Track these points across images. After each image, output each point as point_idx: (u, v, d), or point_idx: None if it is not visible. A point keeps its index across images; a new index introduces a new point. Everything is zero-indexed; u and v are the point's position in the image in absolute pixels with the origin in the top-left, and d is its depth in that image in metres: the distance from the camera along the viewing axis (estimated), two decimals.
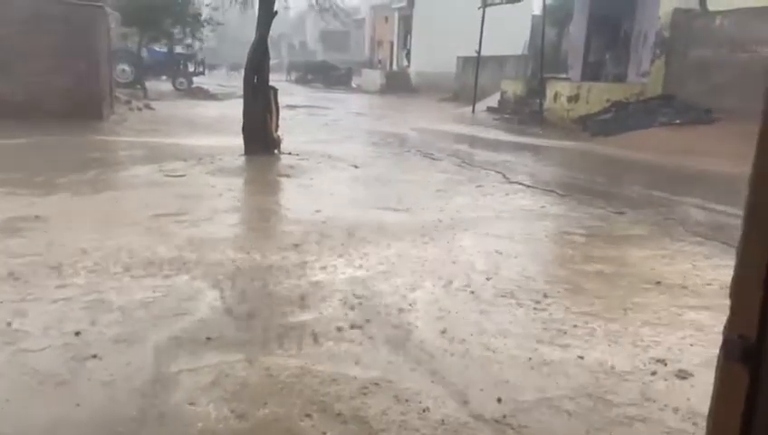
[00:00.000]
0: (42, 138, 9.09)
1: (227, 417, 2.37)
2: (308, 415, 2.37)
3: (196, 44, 20.74)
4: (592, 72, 15.83)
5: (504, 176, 7.72)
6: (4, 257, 3.98)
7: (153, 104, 15.44)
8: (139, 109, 14.37)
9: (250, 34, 8.77)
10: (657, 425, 2.42)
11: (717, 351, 0.97)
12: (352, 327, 3.17)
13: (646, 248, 4.81)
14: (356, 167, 8.07)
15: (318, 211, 5.54)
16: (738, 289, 0.91)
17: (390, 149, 10.26)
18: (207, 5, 18.50)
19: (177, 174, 7.05)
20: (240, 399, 2.50)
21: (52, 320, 3.13)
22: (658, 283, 3.99)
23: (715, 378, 0.97)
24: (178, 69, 22.49)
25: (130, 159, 8.06)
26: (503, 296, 3.68)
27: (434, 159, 9.13)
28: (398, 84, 27.38)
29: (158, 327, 3.11)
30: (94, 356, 2.77)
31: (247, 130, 8.46)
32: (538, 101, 14.96)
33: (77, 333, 2.98)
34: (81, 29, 11.07)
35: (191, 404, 2.44)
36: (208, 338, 3.01)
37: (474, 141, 11.92)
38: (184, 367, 2.73)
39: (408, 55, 30.24)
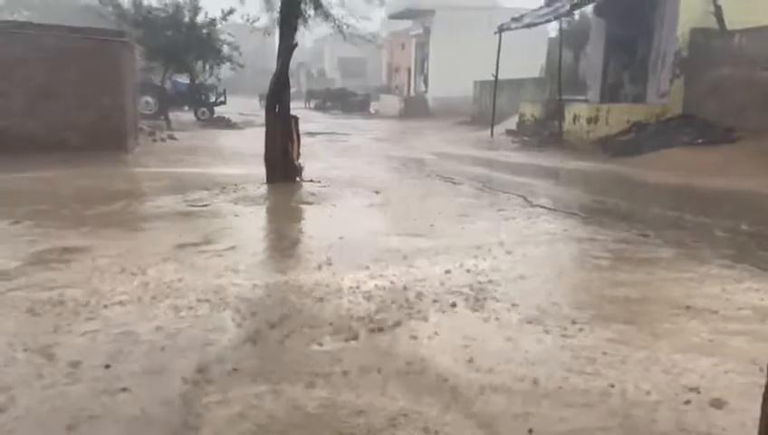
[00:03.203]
0: (68, 171, 9.30)
1: None
2: None
3: (215, 78, 21.22)
4: (611, 94, 15.82)
5: (526, 199, 7.69)
6: (33, 291, 4.06)
7: (176, 135, 15.75)
8: (163, 140, 14.66)
9: (268, 62, 8.95)
10: None
11: (753, 378, 0.95)
12: (370, 360, 3.15)
13: (673, 272, 4.73)
14: (377, 192, 8.11)
15: (341, 238, 5.56)
16: None
17: (410, 173, 10.31)
18: (228, 45, 19.05)
19: (201, 204, 7.15)
20: (268, 432, 2.49)
21: (82, 353, 3.17)
22: (688, 307, 3.92)
23: (763, 408, 0.95)
24: (200, 100, 22.96)
25: (155, 190, 8.19)
26: (529, 323, 3.64)
27: (454, 183, 9.14)
28: (415, 109, 27.62)
29: (186, 358, 3.13)
30: (124, 389, 2.79)
31: (269, 159, 8.58)
32: (557, 123, 14.95)
33: (107, 367, 3.01)
34: (107, 64, 11.38)
35: None
36: (234, 369, 3.02)
37: (493, 165, 11.92)
38: (212, 399, 2.74)
39: (425, 80, 30.53)
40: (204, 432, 2.47)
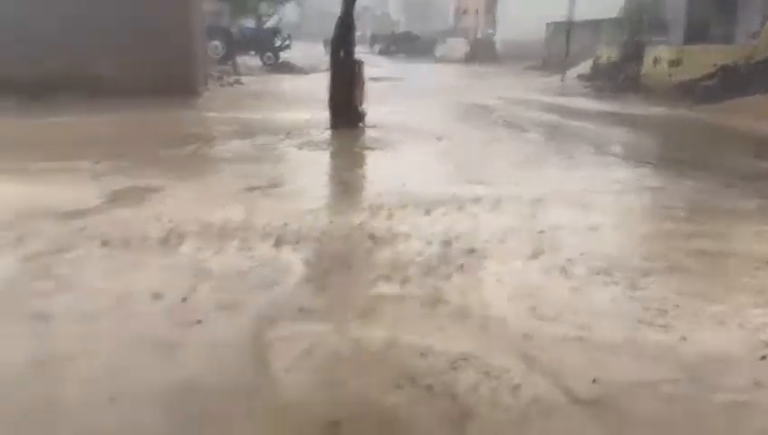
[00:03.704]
0: (142, 114, 9.63)
1: (321, 384, 2.45)
2: (399, 387, 2.41)
3: (275, 18, 21.15)
4: (695, 35, 14.71)
5: (597, 147, 7.39)
6: (113, 227, 4.28)
7: (243, 79, 15.96)
8: (231, 84, 14.90)
9: (333, 6, 8.82)
10: None
11: None
12: (439, 301, 3.18)
13: (755, 224, 4.47)
14: (440, 139, 8.00)
15: (403, 184, 5.54)
16: None
17: (475, 120, 10.08)
18: None
19: (268, 148, 7.28)
20: (333, 368, 2.57)
21: (160, 286, 3.34)
22: None
23: None
24: (266, 44, 23.06)
25: (224, 134, 8.38)
26: (597, 274, 3.55)
27: (521, 130, 8.88)
28: (483, 53, 26.75)
29: (255, 296, 3.25)
30: (198, 322, 2.94)
31: (333, 104, 8.58)
32: (635, 66, 14.12)
33: (183, 300, 3.17)
34: (176, 8, 11.54)
35: (287, 371, 2.54)
36: (300, 308, 3.12)
37: (563, 111, 11.46)
38: (279, 335, 2.84)
39: (493, 23, 29.37)
40: (273, 365, 2.58)
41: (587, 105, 12.20)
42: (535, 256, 3.82)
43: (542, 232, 4.25)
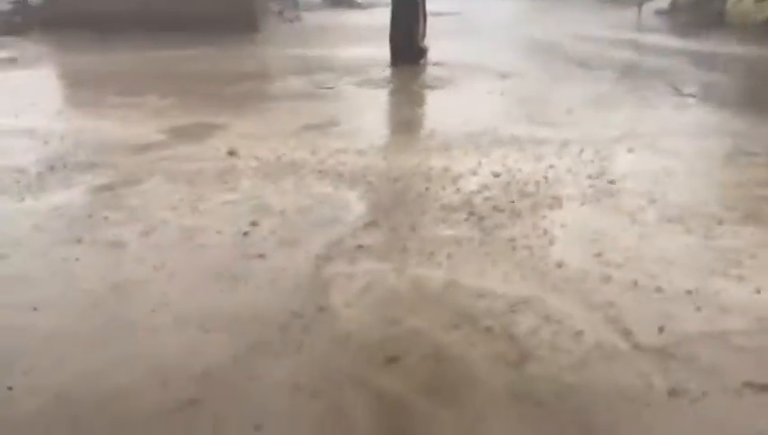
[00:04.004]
0: (204, 49, 9.70)
1: (379, 321, 2.48)
2: (457, 327, 2.40)
3: None
4: None
5: (675, 87, 6.93)
6: (179, 162, 4.39)
7: (303, 15, 15.75)
8: (290, 20, 14.75)
9: None
10: None
11: None
12: (504, 246, 3.11)
13: None
14: (505, 77, 7.69)
15: (465, 123, 5.40)
16: None
17: (543, 57, 9.62)
18: None
19: (327, 86, 7.21)
20: (390, 306, 2.59)
21: (223, 220, 3.43)
22: None
23: None
24: None
25: (283, 71, 8.35)
26: (669, 221, 3.38)
27: (592, 68, 8.42)
28: None
29: (315, 233, 3.28)
30: (260, 256, 3.01)
31: (394, 40, 8.36)
32: (718, 1, 13.03)
33: (245, 234, 3.24)
34: None
35: (347, 306, 2.58)
36: (359, 245, 3.13)
37: (639, 48, 10.76)
38: (339, 271, 2.88)
39: None
40: (332, 301, 2.62)
41: (665, 42, 11.40)
42: (603, 200, 3.67)
43: (611, 176, 4.07)
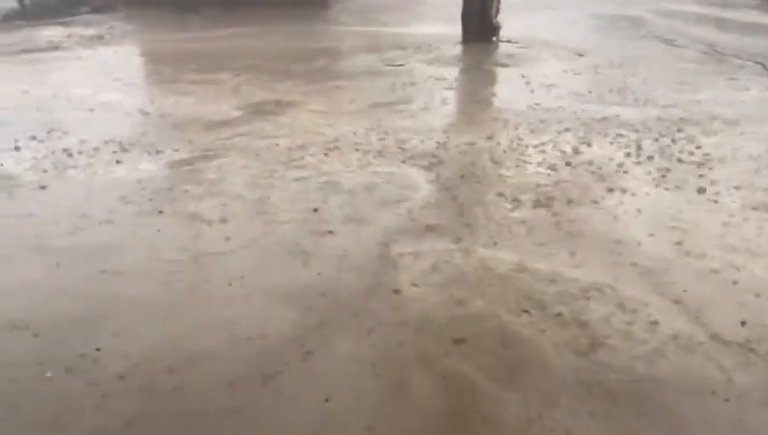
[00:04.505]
0: (275, 27, 9.85)
1: (446, 302, 2.48)
2: (525, 311, 2.37)
3: None
4: None
5: (765, 67, 6.47)
6: (253, 138, 4.51)
7: None
8: None
9: None
10: None
11: None
12: (575, 230, 3.04)
13: None
14: (581, 55, 7.41)
15: (537, 103, 5.26)
16: None
17: (622, 33, 9.18)
18: None
19: (396, 63, 7.18)
20: (458, 286, 2.58)
21: (294, 196, 3.51)
22: None
23: None
24: None
25: (353, 49, 8.37)
26: (754, 209, 3.19)
27: (675, 45, 7.97)
28: None
29: (382, 211, 3.31)
30: (330, 232, 3.07)
31: (466, 17, 8.19)
32: None
33: (315, 210, 3.31)
34: None
35: (414, 285, 2.59)
36: (427, 225, 3.13)
37: (727, 25, 10.09)
38: (406, 250, 2.89)
39: None
40: (399, 279, 2.64)
41: (756, 19, 10.63)
42: (684, 186, 3.50)
43: (693, 160, 3.87)
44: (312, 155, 4.14)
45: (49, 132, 4.65)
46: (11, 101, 5.54)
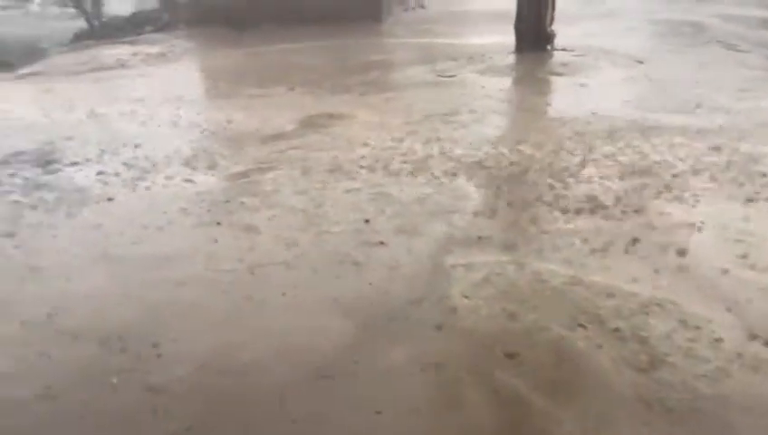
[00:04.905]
0: (330, 41, 10.02)
1: (498, 314, 2.45)
2: (581, 325, 2.32)
3: None
4: None
5: None
6: (307, 151, 4.59)
7: (426, 2, 15.74)
8: (413, 8, 14.80)
9: None
10: None
11: None
12: (633, 242, 2.95)
13: None
14: (640, 62, 7.21)
15: (593, 113, 5.15)
16: None
17: (684, 40, 8.88)
18: None
19: (448, 74, 7.18)
20: (510, 299, 2.55)
21: (345, 207, 3.55)
22: None
23: None
24: None
25: (405, 61, 8.42)
26: None
27: (739, 51, 7.65)
28: None
29: (433, 222, 3.31)
30: (381, 243, 3.09)
31: (519, 26, 8.11)
32: None
33: (366, 221, 3.34)
34: None
35: (465, 297, 2.58)
36: (479, 237, 3.11)
37: None
38: (457, 262, 2.88)
39: None
40: (450, 291, 2.63)
41: None
42: (748, 197, 3.35)
43: (757, 170, 3.69)
44: (363, 166, 4.18)
45: (115, 147, 4.88)
46: (82, 117, 5.85)
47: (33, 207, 3.77)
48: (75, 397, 2.14)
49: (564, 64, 7.30)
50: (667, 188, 3.53)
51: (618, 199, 3.41)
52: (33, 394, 2.14)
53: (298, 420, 1.97)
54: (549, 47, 8.06)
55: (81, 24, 14.07)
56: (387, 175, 4.02)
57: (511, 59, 7.81)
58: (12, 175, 4.36)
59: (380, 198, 3.65)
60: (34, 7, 14.66)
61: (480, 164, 4.10)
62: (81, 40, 12.25)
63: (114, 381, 2.19)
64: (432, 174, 3.99)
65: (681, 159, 3.93)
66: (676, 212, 3.22)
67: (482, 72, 7.16)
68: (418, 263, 2.89)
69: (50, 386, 2.18)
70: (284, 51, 9.54)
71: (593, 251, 2.88)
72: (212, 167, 4.36)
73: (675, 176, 3.68)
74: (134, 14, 13.51)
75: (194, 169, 4.32)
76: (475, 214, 3.39)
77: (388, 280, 2.76)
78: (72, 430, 2.01)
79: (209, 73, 8.88)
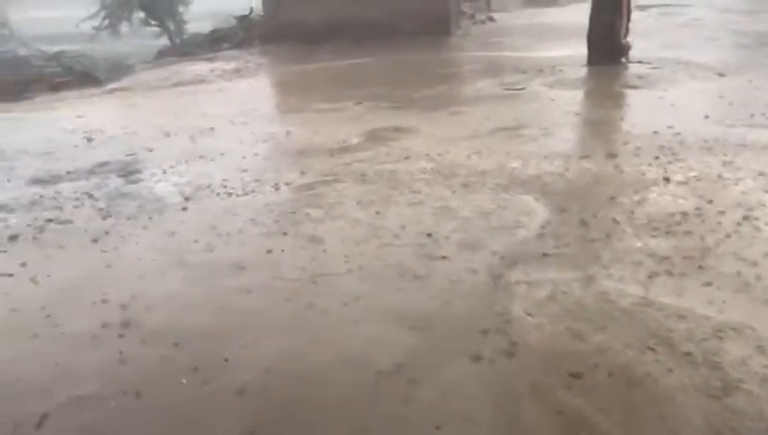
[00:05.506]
0: (399, 55, 10.14)
1: (563, 333, 2.39)
2: (650, 348, 2.23)
3: None
4: None
5: None
6: (371, 164, 4.66)
7: (496, 16, 15.65)
8: (483, 22, 14.74)
9: None
10: None
11: None
12: (703, 260, 2.81)
13: None
14: (721, 75, 6.87)
15: (669, 126, 4.95)
16: None
17: (767, 52, 8.41)
18: None
19: (517, 87, 7.10)
20: (576, 318, 2.48)
21: (408, 220, 3.57)
22: None
23: None
24: None
25: (474, 74, 8.40)
26: None
27: None
28: None
29: (497, 237, 3.27)
30: (443, 257, 3.08)
31: (592, 38, 7.92)
32: None
33: (429, 235, 3.35)
34: None
35: (528, 314, 2.53)
36: (545, 253, 3.05)
37: None
38: (521, 278, 2.83)
39: None
40: (514, 307, 2.59)
41: None
42: None
43: None
44: (427, 180, 4.20)
45: (191, 158, 5.12)
46: (163, 130, 6.18)
47: (117, 215, 4.02)
48: (150, 396, 2.25)
49: (640, 77, 7.07)
50: (748, 208, 3.34)
51: (693, 218, 3.26)
52: (111, 392, 2.27)
53: (355, 433, 1.99)
54: (623, 59, 7.83)
55: (164, 41, 14.92)
56: (450, 189, 4.01)
57: (583, 72, 7.64)
58: (98, 184, 4.67)
59: (444, 212, 3.65)
60: (122, 27, 15.65)
61: (548, 179, 4.03)
62: (163, 57, 12.98)
63: (183, 381, 2.29)
64: (497, 188, 3.96)
65: (764, 178, 3.71)
66: (756, 234, 3.04)
67: (552, 86, 7.04)
68: (481, 278, 2.86)
69: (128, 385, 2.30)
70: (354, 66, 9.73)
71: (665, 272, 2.76)
72: (281, 178, 4.49)
73: (756, 195, 3.48)
74: (212, 32, 14.18)
75: (264, 181, 4.47)
76: (541, 230, 3.32)
77: (449, 295, 2.75)
78: (140, 428, 2.12)
79: (281, 88, 9.19)
